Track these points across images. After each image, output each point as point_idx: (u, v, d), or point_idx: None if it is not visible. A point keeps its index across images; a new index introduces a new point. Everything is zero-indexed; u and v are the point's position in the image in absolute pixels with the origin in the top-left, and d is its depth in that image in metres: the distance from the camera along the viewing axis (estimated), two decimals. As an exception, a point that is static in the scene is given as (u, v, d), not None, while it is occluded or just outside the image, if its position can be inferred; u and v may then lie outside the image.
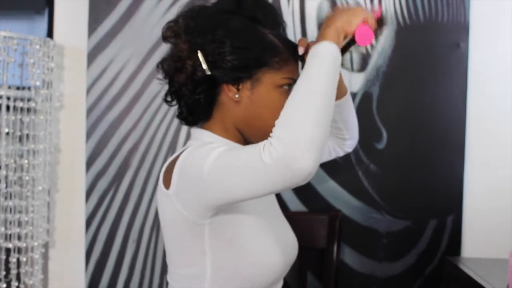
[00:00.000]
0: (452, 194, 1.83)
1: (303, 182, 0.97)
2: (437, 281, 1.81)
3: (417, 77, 1.82)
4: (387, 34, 1.82)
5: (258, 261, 1.14)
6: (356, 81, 1.81)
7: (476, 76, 1.82)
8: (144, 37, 1.82)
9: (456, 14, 1.81)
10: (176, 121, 1.81)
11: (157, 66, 1.20)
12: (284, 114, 0.99)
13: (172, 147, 1.84)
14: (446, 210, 1.83)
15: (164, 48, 1.83)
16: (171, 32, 1.17)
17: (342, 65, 1.24)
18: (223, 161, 1.01)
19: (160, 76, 1.20)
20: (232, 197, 1.02)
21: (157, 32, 1.81)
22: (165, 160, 1.84)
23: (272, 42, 1.15)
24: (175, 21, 1.17)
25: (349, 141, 1.42)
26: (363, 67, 1.82)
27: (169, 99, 1.21)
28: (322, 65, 1.02)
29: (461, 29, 1.81)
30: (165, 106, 1.82)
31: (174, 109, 1.85)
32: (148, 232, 1.85)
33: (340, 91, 1.29)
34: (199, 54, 1.12)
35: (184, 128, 1.83)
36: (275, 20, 1.20)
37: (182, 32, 1.15)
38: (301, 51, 1.18)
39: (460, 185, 1.82)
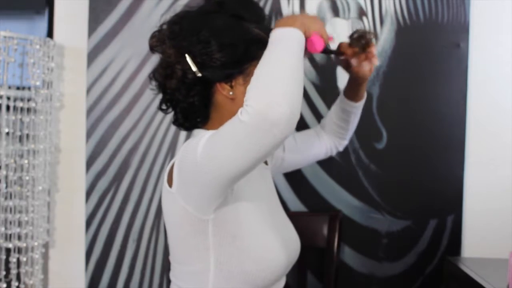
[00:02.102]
0: (452, 194, 1.83)
1: (284, 132, 0.98)
2: (437, 281, 1.81)
3: (417, 77, 1.82)
4: (387, 34, 1.82)
5: (261, 257, 1.15)
6: (356, 81, 1.81)
7: (476, 76, 1.82)
8: (144, 37, 1.78)
9: (456, 14, 1.81)
10: (176, 121, 1.82)
11: (149, 77, 1.21)
12: (254, 81, 1.02)
13: (172, 147, 1.83)
14: (446, 210, 1.83)
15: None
16: (156, 40, 1.18)
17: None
18: (212, 141, 1.04)
19: (153, 86, 1.21)
20: (228, 172, 1.03)
21: (157, 32, 1.81)
22: (165, 160, 1.84)
23: (258, 35, 1.16)
24: (159, 30, 1.19)
25: (345, 141, 1.52)
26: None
27: (164, 107, 1.22)
28: (290, 44, 1.06)
29: (461, 29, 1.81)
30: (165, 106, 1.82)
31: (174, 109, 1.84)
32: (148, 232, 1.85)
33: (360, 95, 1.41)
34: (187, 57, 1.13)
35: (184, 128, 1.83)
36: (259, 15, 1.21)
37: (166, 38, 1.16)
38: (355, 62, 1.28)
39: (460, 185, 1.82)
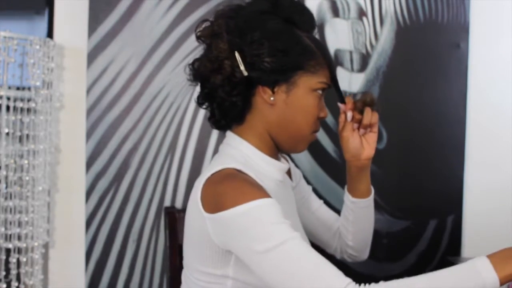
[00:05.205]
0: (452, 194, 1.83)
1: None
2: (437, 281, 1.81)
3: (417, 77, 1.82)
4: (387, 35, 1.82)
5: None
6: (356, 81, 1.81)
7: (476, 76, 1.83)
8: (144, 37, 1.82)
9: (456, 14, 1.81)
10: (176, 121, 1.82)
11: (188, 67, 1.17)
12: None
13: (172, 147, 1.83)
14: (446, 210, 1.83)
15: (164, 49, 1.84)
16: (209, 32, 1.15)
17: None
18: (295, 263, 0.98)
19: (189, 76, 1.18)
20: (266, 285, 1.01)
21: (157, 32, 1.81)
22: (165, 160, 1.83)
23: (308, 45, 1.14)
24: (212, 21, 1.15)
25: (351, 250, 1.38)
26: (363, 67, 1.82)
27: (201, 101, 1.19)
28: None
29: (461, 29, 1.81)
30: (165, 107, 1.82)
31: (174, 109, 1.86)
32: (148, 232, 1.85)
33: (358, 187, 1.30)
34: (237, 55, 1.11)
35: (184, 128, 1.83)
36: (310, 23, 1.18)
37: (224, 31, 1.12)
38: (349, 117, 1.20)
39: (460, 185, 1.83)
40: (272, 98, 1.13)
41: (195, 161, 1.82)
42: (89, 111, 1.84)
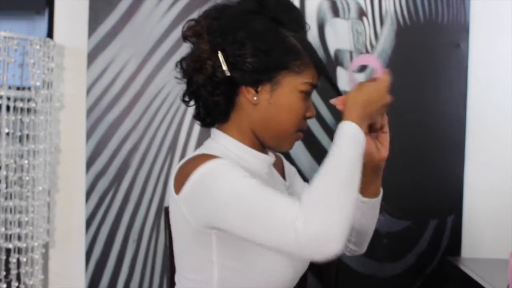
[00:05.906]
0: (452, 194, 1.83)
1: (326, 259, 0.97)
2: (437, 281, 1.81)
3: (417, 77, 1.82)
4: (387, 34, 1.82)
5: (267, 271, 1.12)
6: (356, 81, 1.81)
7: (476, 76, 1.83)
8: (144, 37, 1.82)
9: (456, 14, 1.81)
10: (176, 121, 1.82)
11: (176, 65, 1.18)
12: (315, 191, 0.98)
13: (172, 147, 1.84)
14: (446, 210, 1.83)
15: (164, 49, 1.84)
16: (192, 32, 1.15)
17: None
18: (252, 204, 1.00)
19: (178, 75, 1.18)
20: (247, 238, 1.01)
21: (157, 32, 1.81)
22: (165, 160, 1.84)
23: (294, 45, 1.13)
24: (197, 21, 1.15)
25: (352, 245, 1.37)
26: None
27: (187, 99, 1.19)
28: (346, 148, 1.03)
29: (461, 29, 1.81)
30: (165, 107, 1.82)
31: (175, 109, 1.86)
32: (148, 232, 1.85)
33: (369, 188, 1.27)
34: (219, 55, 1.11)
35: (184, 128, 1.83)
36: (298, 22, 1.17)
37: (204, 32, 1.12)
38: (341, 107, 1.19)
39: (460, 185, 1.82)
40: (255, 98, 1.13)
41: (195, 161, 1.82)
42: (89, 111, 1.84)
